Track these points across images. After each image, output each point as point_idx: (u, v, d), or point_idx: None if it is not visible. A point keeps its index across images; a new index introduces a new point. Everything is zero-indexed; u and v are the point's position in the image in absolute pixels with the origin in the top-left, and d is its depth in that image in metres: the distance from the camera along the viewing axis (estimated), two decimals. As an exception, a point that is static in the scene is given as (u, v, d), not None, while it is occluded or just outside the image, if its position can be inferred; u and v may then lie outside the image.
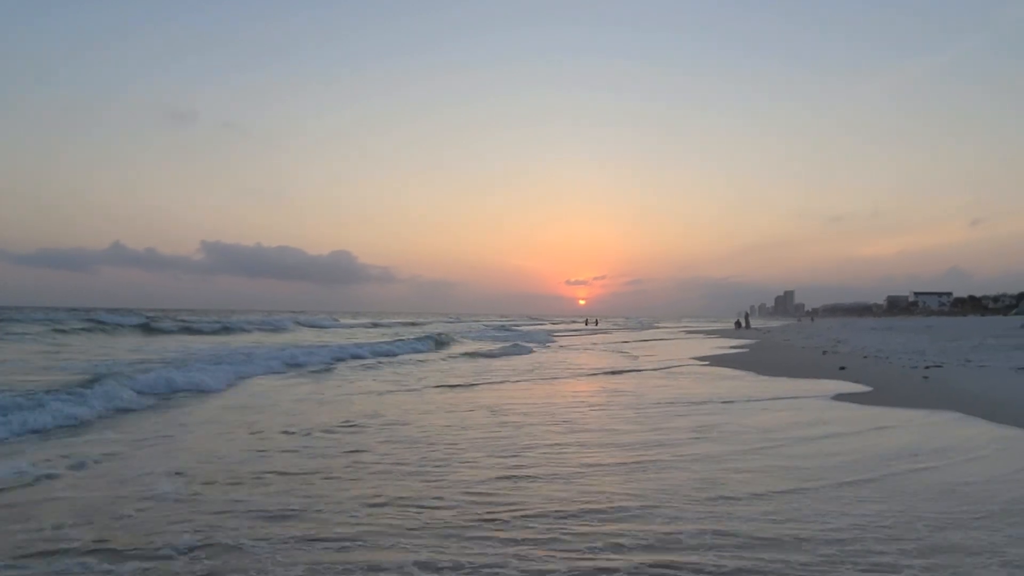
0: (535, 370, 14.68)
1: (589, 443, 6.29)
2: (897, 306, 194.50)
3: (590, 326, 69.90)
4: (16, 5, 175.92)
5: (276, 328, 34.53)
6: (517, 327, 50.10)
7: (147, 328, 28.25)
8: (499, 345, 24.60)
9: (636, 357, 19.40)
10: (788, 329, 52.19)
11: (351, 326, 43.53)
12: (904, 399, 9.12)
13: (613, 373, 13.93)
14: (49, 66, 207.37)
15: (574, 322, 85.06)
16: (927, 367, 13.33)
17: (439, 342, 24.90)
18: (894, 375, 12.17)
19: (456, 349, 22.67)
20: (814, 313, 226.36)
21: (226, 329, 30.51)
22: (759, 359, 17.79)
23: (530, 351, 22.48)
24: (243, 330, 30.70)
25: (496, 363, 16.79)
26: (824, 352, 19.23)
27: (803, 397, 9.57)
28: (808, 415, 7.99)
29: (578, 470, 5.18)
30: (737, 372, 13.91)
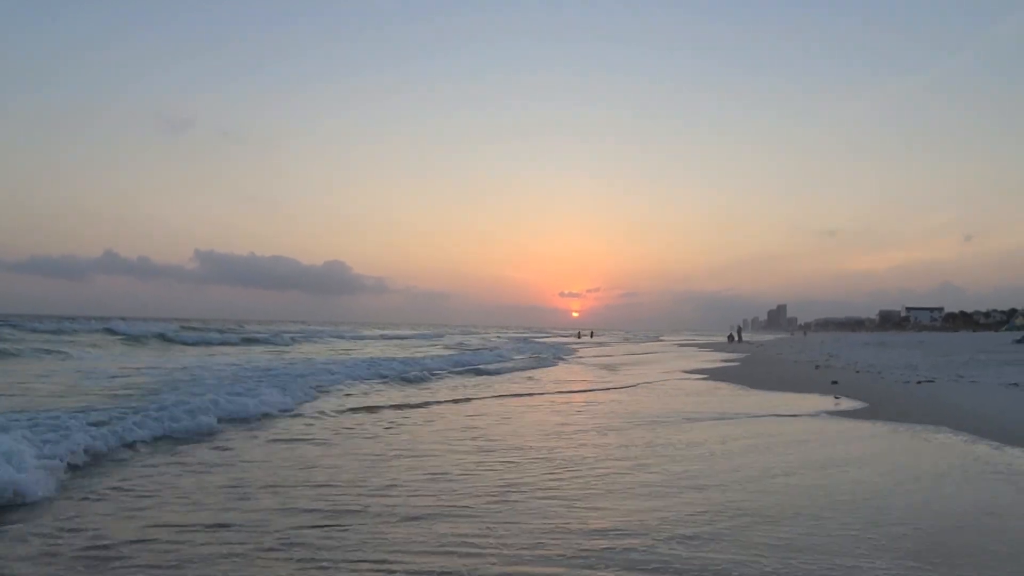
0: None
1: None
2: (890, 321, 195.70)
3: (584, 339, 69.08)
4: (8, 8, 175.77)
5: (311, 337, 36.43)
6: (536, 339, 52.73)
7: (186, 339, 28.02)
8: (537, 355, 26.54)
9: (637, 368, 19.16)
10: (781, 343, 52.38)
11: (367, 337, 43.18)
12: (897, 414, 9.07)
13: (602, 390, 13.73)
14: (43, 71, 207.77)
15: (571, 334, 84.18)
16: (919, 382, 13.33)
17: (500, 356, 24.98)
18: (887, 390, 12.14)
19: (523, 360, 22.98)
20: (807, 327, 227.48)
21: (270, 340, 31.42)
22: (751, 373, 17.70)
23: (553, 364, 22.78)
24: (289, 342, 31.54)
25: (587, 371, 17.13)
26: (817, 366, 19.23)
27: (797, 415, 9.43)
28: (800, 430, 7.88)
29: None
30: (729, 386, 13.85)
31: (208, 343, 27.87)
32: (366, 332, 54.38)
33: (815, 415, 9.33)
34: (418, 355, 22.58)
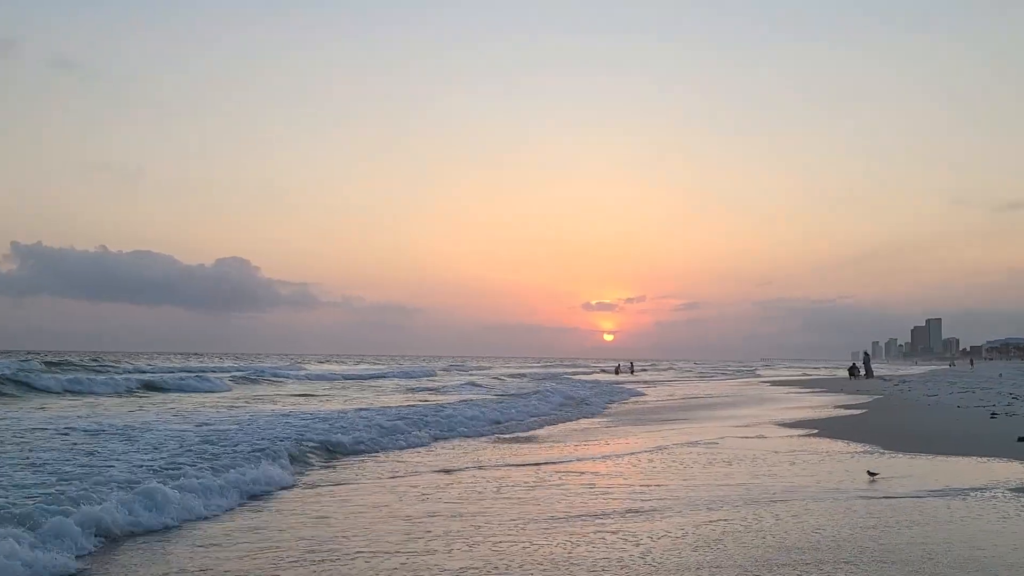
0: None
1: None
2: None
3: (623, 374, 69.77)
4: None
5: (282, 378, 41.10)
6: (565, 376, 56.06)
7: (54, 384, 27.96)
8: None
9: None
10: (935, 378, 51.08)
11: (306, 378, 44.20)
12: None
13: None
14: None
15: (610, 368, 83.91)
16: None
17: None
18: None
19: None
20: (974, 353, 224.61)
21: (186, 385, 31.76)
22: (885, 424, 17.79)
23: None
24: (226, 385, 33.50)
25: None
26: (993, 414, 18.97)
27: (965, 491, 8.79)
28: (978, 523, 7.19)
29: None
30: (851, 446, 13.57)
31: (92, 391, 27.61)
32: (284, 369, 54.16)
33: (995, 494, 8.67)
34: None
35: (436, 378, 49.64)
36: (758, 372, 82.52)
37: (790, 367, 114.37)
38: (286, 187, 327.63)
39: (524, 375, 58.14)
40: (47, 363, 37.85)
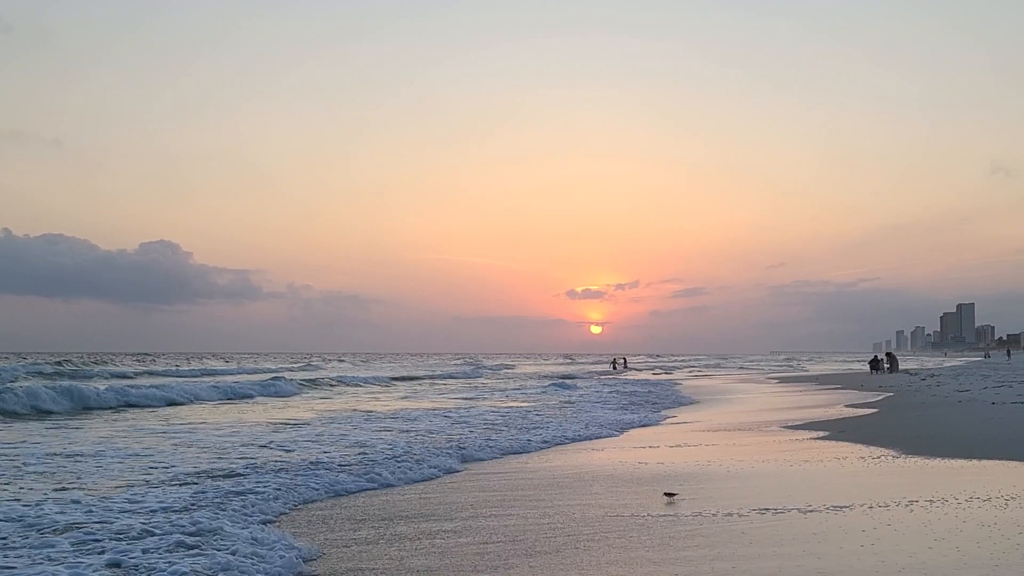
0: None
1: None
2: None
3: (619, 369, 76.12)
4: None
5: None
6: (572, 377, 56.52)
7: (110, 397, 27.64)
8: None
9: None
10: (968, 371, 50.49)
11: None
12: None
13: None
14: None
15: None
16: None
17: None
18: None
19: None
20: (1011, 342, 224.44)
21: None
22: (904, 425, 17.36)
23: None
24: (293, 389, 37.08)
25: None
26: None
27: (1008, 502, 8.11)
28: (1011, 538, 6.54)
29: None
30: (869, 450, 13.03)
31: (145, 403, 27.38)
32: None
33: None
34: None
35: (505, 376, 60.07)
36: (745, 365, 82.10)
37: (807, 359, 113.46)
38: (224, 160, 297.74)
39: (551, 375, 61.07)
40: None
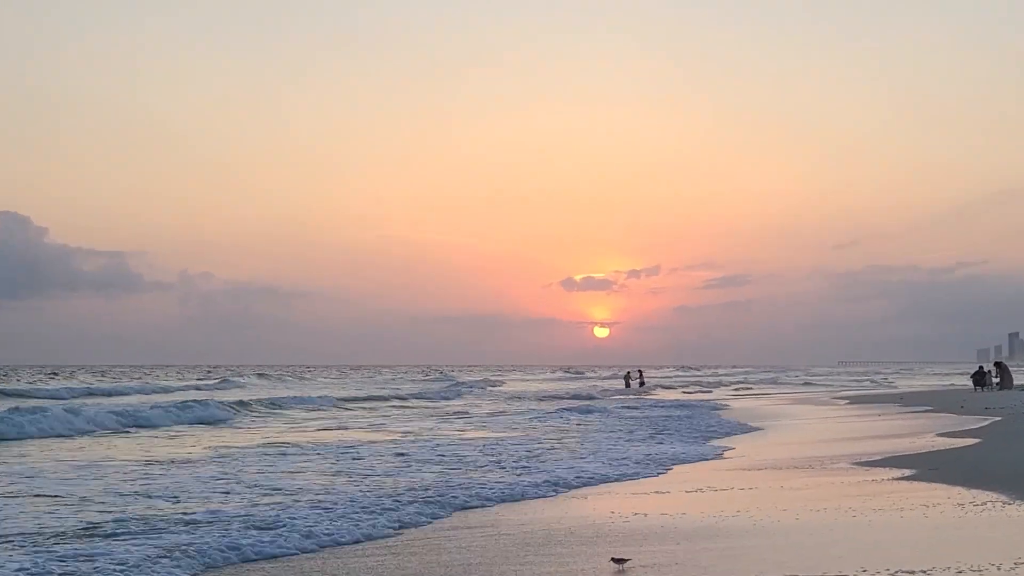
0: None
1: None
2: None
3: (633, 386, 64.71)
4: None
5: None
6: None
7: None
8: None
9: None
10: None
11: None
12: None
13: None
14: None
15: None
16: None
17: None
18: None
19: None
20: None
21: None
22: (1018, 456, 15.51)
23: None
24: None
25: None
26: None
27: None
28: None
29: None
30: (972, 494, 11.13)
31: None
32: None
33: None
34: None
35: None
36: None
37: (901, 374, 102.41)
38: (97, 105, 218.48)
39: (555, 394, 54.37)
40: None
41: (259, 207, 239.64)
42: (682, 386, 70.80)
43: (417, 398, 49.33)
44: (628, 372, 72.45)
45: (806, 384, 77.02)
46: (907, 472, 13.87)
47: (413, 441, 21.69)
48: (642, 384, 66.71)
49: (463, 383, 70.66)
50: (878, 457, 16.55)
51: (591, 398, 47.53)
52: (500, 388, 67.55)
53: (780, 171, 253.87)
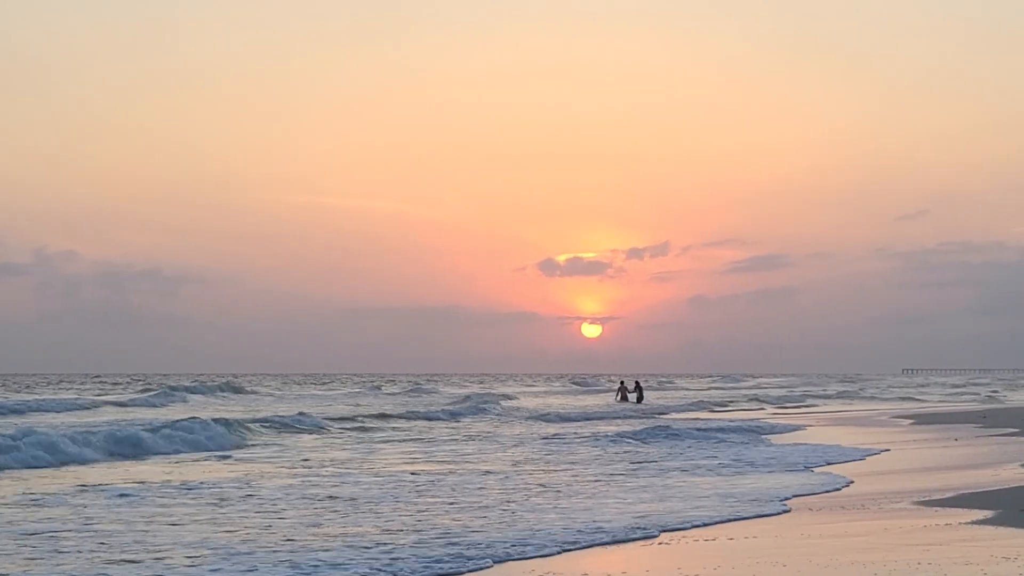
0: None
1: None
2: None
3: (630, 401, 57.67)
4: None
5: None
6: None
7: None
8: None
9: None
10: None
11: None
12: None
13: None
14: None
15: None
16: None
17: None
18: None
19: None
20: None
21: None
22: None
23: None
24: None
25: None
26: None
27: None
28: None
29: None
30: None
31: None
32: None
33: None
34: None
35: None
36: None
37: (1013, 387, 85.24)
38: None
39: (583, 412, 47.64)
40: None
41: (142, 165, 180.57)
42: (703, 408, 58.31)
43: (426, 419, 39.94)
44: (622, 382, 63.80)
45: (873, 397, 73.22)
46: (982, 515, 12.43)
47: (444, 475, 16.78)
48: (640, 397, 58.94)
49: (470, 396, 59.85)
50: (949, 494, 15.07)
51: (664, 423, 37.46)
52: (512, 403, 59.38)
53: (828, 118, 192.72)
